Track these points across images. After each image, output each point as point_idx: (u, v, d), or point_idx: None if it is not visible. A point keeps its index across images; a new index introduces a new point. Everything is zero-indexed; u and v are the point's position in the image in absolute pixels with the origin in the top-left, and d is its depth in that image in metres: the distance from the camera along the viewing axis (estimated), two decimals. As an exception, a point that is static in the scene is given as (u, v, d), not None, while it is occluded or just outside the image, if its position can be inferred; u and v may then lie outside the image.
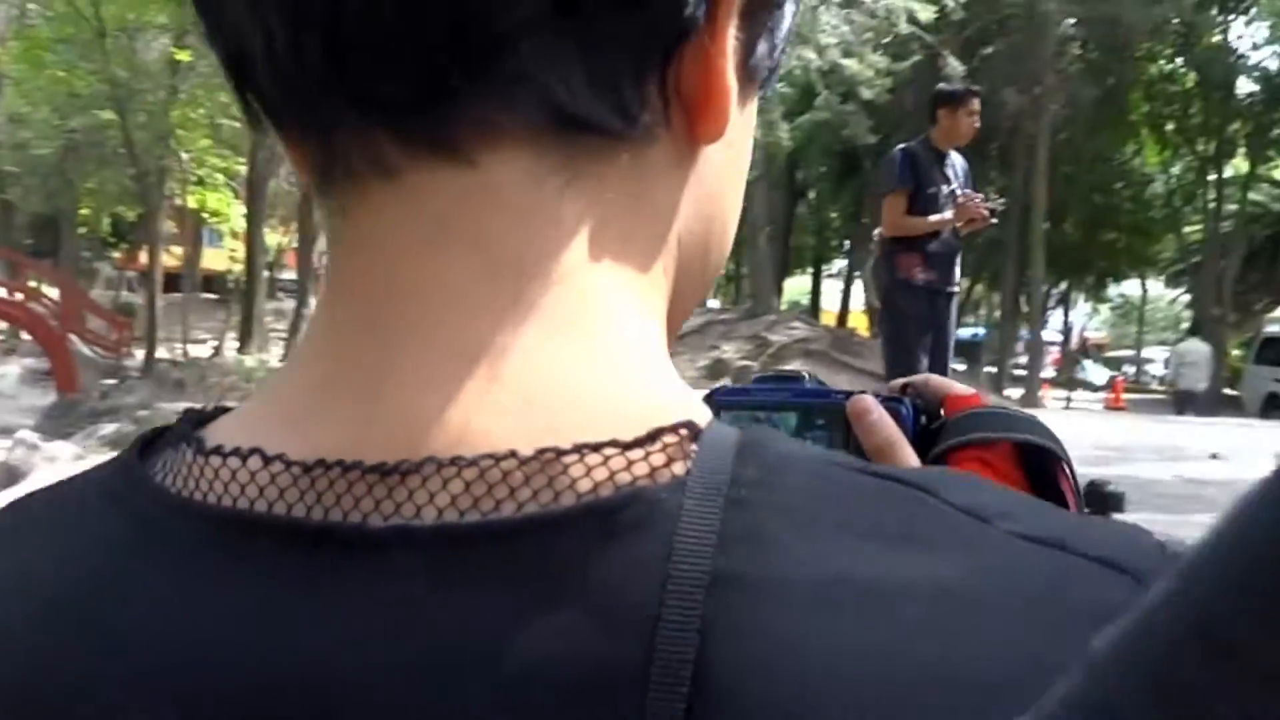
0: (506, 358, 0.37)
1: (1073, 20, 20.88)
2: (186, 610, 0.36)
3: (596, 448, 0.35)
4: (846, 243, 34.13)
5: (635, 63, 0.38)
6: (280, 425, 0.39)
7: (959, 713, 0.30)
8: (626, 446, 0.35)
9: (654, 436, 0.36)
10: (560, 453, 0.35)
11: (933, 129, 5.79)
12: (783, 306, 25.65)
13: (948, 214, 5.65)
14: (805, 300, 36.10)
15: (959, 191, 5.70)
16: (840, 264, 37.31)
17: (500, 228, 0.38)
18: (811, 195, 32.82)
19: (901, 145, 5.91)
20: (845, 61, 16.43)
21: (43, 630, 0.38)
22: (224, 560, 0.37)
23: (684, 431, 0.36)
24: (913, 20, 16.40)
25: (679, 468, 0.35)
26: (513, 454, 0.35)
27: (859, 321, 28.69)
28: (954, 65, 16.86)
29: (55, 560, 0.40)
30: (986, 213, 5.67)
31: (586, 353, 0.38)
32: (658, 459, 0.35)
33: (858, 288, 34.82)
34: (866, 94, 16.73)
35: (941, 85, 6.64)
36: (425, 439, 0.36)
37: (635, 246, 0.41)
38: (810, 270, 37.59)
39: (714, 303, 35.01)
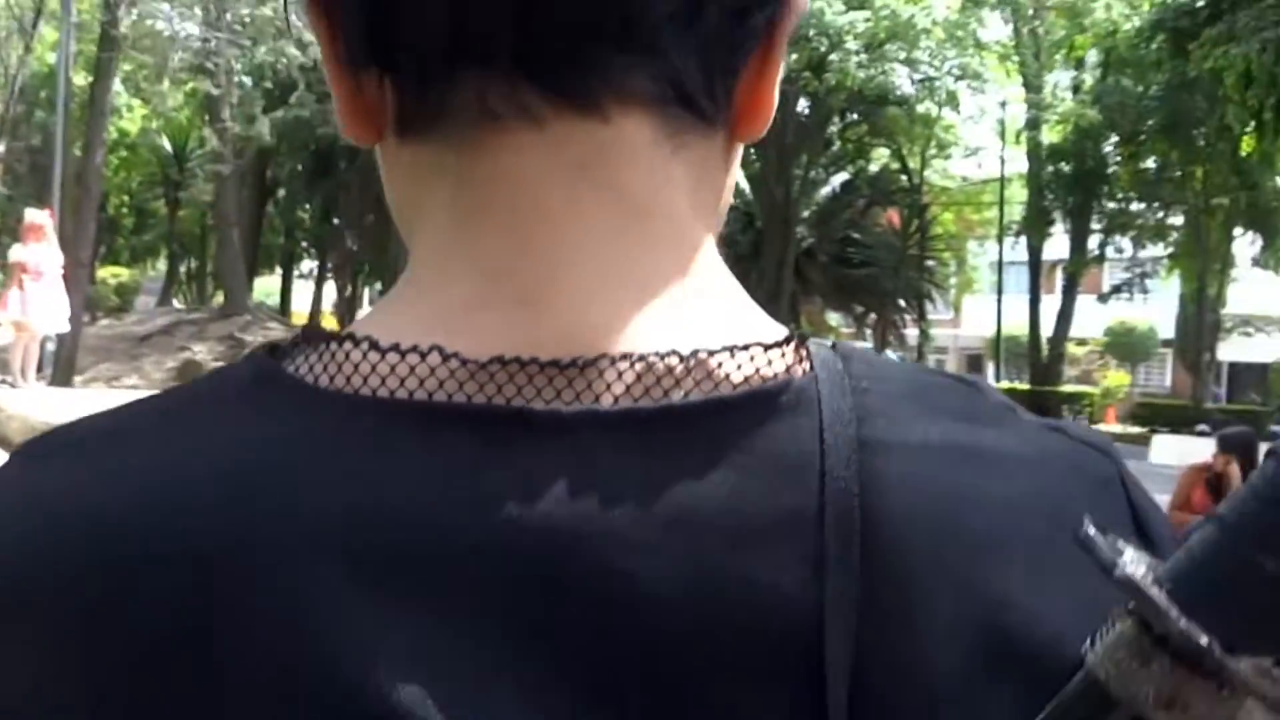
0: (649, 280, 0.44)
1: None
2: (387, 487, 0.39)
3: (745, 348, 0.43)
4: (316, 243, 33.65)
5: (728, 61, 0.45)
6: (439, 332, 0.42)
7: (1038, 527, 0.42)
8: (768, 347, 0.43)
9: (788, 340, 0.44)
10: (711, 352, 0.42)
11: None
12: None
13: None
14: (272, 300, 34.89)
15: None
16: (310, 264, 36.54)
17: (631, 177, 0.44)
18: (281, 193, 32.00)
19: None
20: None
21: (222, 505, 0.39)
22: (413, 444, 0.40)
23: (800, 339, 0.45)
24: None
25: (805, 365, 0.44)
26: (674, 352, 0.42)
27: (330, 323, 28.30)
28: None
29: (226, 445, 0.41)
30: None
31: (705, 283, 0.45)
32: (790, 358, 0.44)
33: (329, 289, 34.26)
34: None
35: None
36: (594, 340, 0.42)
37: (708, 211, 0.48)
38: (279, 270, 36.64)
39: (178, 303, 33.00)
